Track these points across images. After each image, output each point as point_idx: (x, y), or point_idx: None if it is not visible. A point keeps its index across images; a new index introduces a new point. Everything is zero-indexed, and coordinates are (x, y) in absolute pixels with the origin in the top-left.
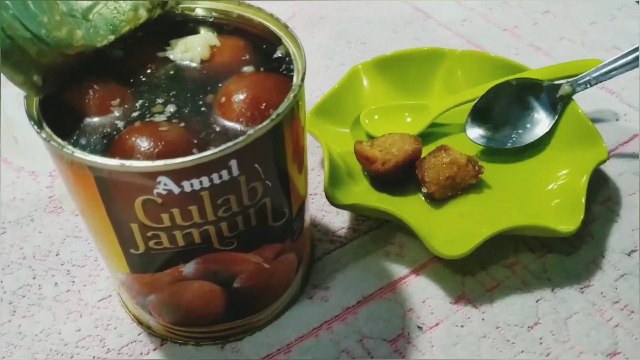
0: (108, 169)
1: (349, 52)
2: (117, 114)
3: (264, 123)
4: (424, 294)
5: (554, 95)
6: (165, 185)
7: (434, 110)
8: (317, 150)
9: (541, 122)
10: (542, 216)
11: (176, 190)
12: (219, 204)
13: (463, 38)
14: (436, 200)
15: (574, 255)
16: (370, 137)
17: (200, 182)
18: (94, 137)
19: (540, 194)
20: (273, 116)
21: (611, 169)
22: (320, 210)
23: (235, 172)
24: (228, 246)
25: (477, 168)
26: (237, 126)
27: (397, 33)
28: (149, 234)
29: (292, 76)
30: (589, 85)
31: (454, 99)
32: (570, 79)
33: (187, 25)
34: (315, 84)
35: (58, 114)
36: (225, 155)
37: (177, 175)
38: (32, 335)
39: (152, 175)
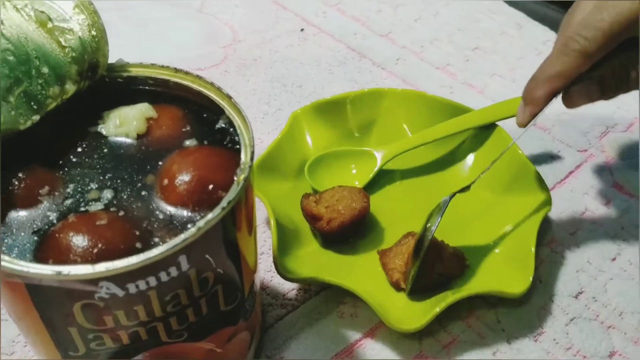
0: (40, 278)
1: (285, 97)
2: (47, 204)
3: (215, 214)
4: (381, 357)
5: None
6: (107, 289)
7: (380, 158)
8: (261, 205)
9: None
10: (493, 280)
11: (120, 293)
12: (167, 300)
13: (398, 77)
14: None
15: (525, 303)
16: (316, 190)
17: (147, 283)
18: (22, 235)
19: (489, 255)
20: (224, 204)
21: (552, 208)
22: (269, 271)
23: (185, 267)
24: (178, 338)
25: (463, 263)
26: (183, 212)
27: (333, 74)
28: (90, 336)
29: (238, 149)
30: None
31: (398, 146)
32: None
33: (120, 95)
34: (255, 132)
35: None
36: (173, 253)
37: (121, 278)
38: None
39: (93, 281)
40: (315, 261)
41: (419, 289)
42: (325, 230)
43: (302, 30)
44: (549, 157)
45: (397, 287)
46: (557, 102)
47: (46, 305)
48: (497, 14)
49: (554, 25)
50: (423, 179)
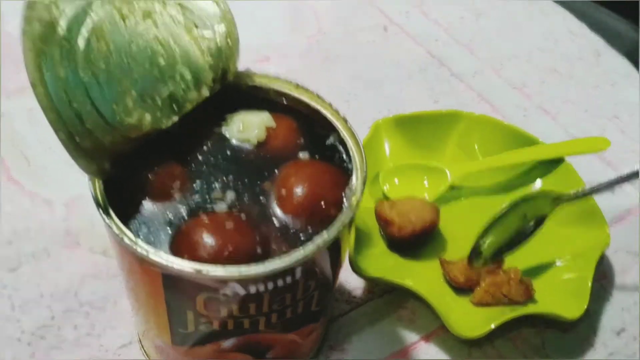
0: (181, 274)
1: (364, 96)
2: (177, 197)
3: (331, 234)
4: None
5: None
6: (232, 288)
7: (451, 175)
8: None
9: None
10: (549, 303)
11: (242, 292)
12: (276, 301)
13: (474, 91)
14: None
15: (570, 331)
16: (388, 198)
17: (266, 286)
18: (157, 225)
19: (546, 281)
20: (340, 226)
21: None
22: None
23: (298, 276)
24: (272, 329)
25: (529, 292)
26: (297, 222)
27: (412, 79)
28: (202, 320)
29: (346, 167)
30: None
31: (470, 166)
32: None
33: (242, 100)
34: None
35: (118, 196)
36: (294, 266)
37: (247, 281)
38: None
39: (224, 281)
40: (383, 262)
41: (480, 302)
42: (395, 235)
43: (385, 28)
44: (610, 192)
45: (454, 282)
46: (626, 139)
47: (174, 292)
48: (578, 37)
49: (631, 55)
50: (488, 199)
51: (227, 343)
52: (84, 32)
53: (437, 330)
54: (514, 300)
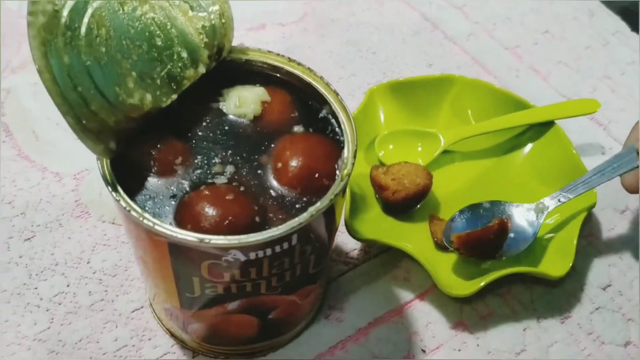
0: (185, 243)
1: (359, 62)
2: (180, 172)
3: (324, 203)
4: (427, 319)
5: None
6: (234, 255)
7: (444, 140)
8: None
9: (523, 235)
10: (536, 261)
11: (242, 258)
12: (274, 265)
13: (468, 54)
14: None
15: (557, 287)
16: (383, 163)
17: (264, 252)
18: (161, 198)
19: (534, 240)
20: (331, 196)
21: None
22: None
23: (294, 242)
24: (273, 292)
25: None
26: (292, 193)
27: (406, 44)
28: (207, 284)
29: (338, 140)
30: (561, 202)
31: (462, 131)
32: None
33: (237, 75)
34: None
35: (124, 172)
36: (290, 232)
37: (247, 249)
38: (71, 343)
39: (225, 249)
40: (378, 225)
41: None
42: (389, 199)
43: None
44: (599, 152)
45: (439, 246)
46: (616, 98)
47: (180, 259)
48: None
49: (625, 14)
50: (480, 163)
51: (232, 305)
52: (85, 20)
53: (431, 288)
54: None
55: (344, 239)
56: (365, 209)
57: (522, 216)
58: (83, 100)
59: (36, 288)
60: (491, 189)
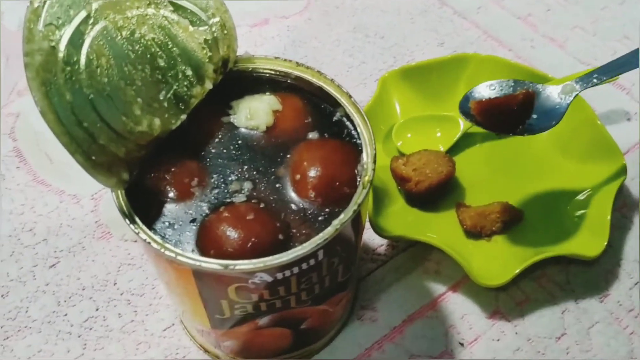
0: (210, 270)
1: (369, 48)
2: (197, 194)
3: (348, 215)
4: (462, 310)
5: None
6: (261, 277)
7: (464, 123)
8: None
9: (548, 115)
10: (569, 242)
11: (269, 279)
12: (303, 281)
13: (480, 29)
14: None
15: (593, 265)
16: (402, 153)
17: (291, 271)
18: (181, 224)
19: (566, 220)
20: (354, 207)
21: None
22: None
23: (321, 257)
24: (303, 304)
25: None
26: (314, 205)
27: (415, 24)
28: (237, 306)
29: (356, 143)
30: (592, 83)
31: None
32: (575, 79)
33: (245, 84)
34: None
35: (141, 201)
36: (316, 249)
37: (273, 270)
38: None
39: (251, 273)
40: (403, 219)
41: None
42: (412, 191)
43: None
44: (625, 118)
45: (469, 234)
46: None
47: (206, 286)
48: None
49: None
50: (502, 143)
51: (263, 321)
52: (84, 51)
53: (463, 278)
54: (501, 220)
55: (369, 236)
56: (388, 202)
57: (548, 97)
58: (90, 135)
59: (66, 315)
60: (516, 168)
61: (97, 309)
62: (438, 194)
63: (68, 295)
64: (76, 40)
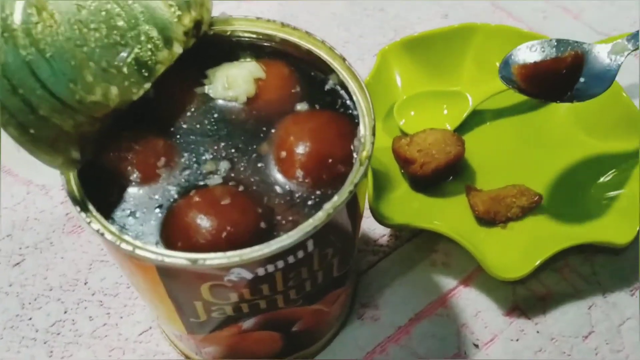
0: (176, 266)
1: (367, 22)
2: (165, 176)
3: (342, 198)
4: (475, 307)
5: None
6: (238, 274)
7: (472, 99)
8: None
9: (597, 78)
10: (595, 229)
11: (249, 276)
12: (290, 277)
13: (487, 0)
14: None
15: (621, 254)
16: (405, 132)
17: (275, 266)
18: (144, 211)
19: (591, 203)
20: (350, 187)
21: None
22: None
23: (311, 248)
24: (293, 304)
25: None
26: (302, 187)
27: None
28: (213, 307)
29: (351, 115)
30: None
31: (492, 87)
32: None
33: (222, 50)
34: None
35: (97, 185)
36: (304, 238)
37: (253, 265)
38: None
39: (225, 268)
40: (407, 205)
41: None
42: (418, 174)
43: None
44: None
45: (481, 220)
46: None
47: (175, 284)
48: None
49: None
50: (516, 120)
51: (247, 324)
52: (19, 4)
53: (476, 271)
54: (517, 205)
55: (369, 224)
56: (390, 187)
57: (596, 57)
58: (27, 104)
59: (30, 319)
60: (532, 147)
61: (65, 312)
62: (446, 177)
63: (33, 296)
64: None
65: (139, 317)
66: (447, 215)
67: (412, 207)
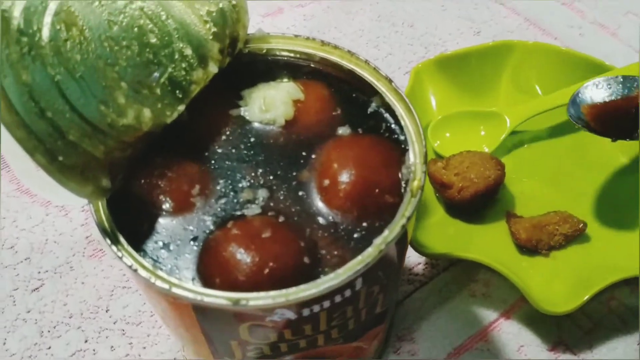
0: (216, 307)
1: (396, 38)
2: (199, 205)
3: (395, 232)
4: (518, 341)
5: None
6: (281, 314)
7: (510, 120)
8: None
9: None
10: None
11: (293, 317)
12: (335, 317)
13: (520, 15)
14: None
15: None
16: (440, 155)
17: (321, 306)
18: (178, 244)
19: (635, 232)
20: (403, 221)
21: None
22: None
23: (359, 286)
24: (333, 343)
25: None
26: (348, 218)
27: (446, 10)
28: (250, 347)
29: (397, 139)
30: None
31: (531, 107)
32: None
33: (258, 69)
34: None
35: (127, 214)
36: (354, 277)
37: (298, 306)
38: None
39: (269, 310)
40: (444, 232)
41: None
42: (455, 199)
43: None
44: None
45: (523, 249)
46: None
47: (211, 323)
48: None
49: None
50: (557, 142)
51: None
52: (47, 19)
53: (518, 302)
54: (561, 232)
55: None
56: (425, 214)
57: None
58: (56, 129)
59: (49, 348)
60: (574, 171)
61: (86, 341)
62: (484, 203)
63: (52, 324)
64: (37, 5)
65: (163, 348)
66: (487, 243)
67: (448, 234)
